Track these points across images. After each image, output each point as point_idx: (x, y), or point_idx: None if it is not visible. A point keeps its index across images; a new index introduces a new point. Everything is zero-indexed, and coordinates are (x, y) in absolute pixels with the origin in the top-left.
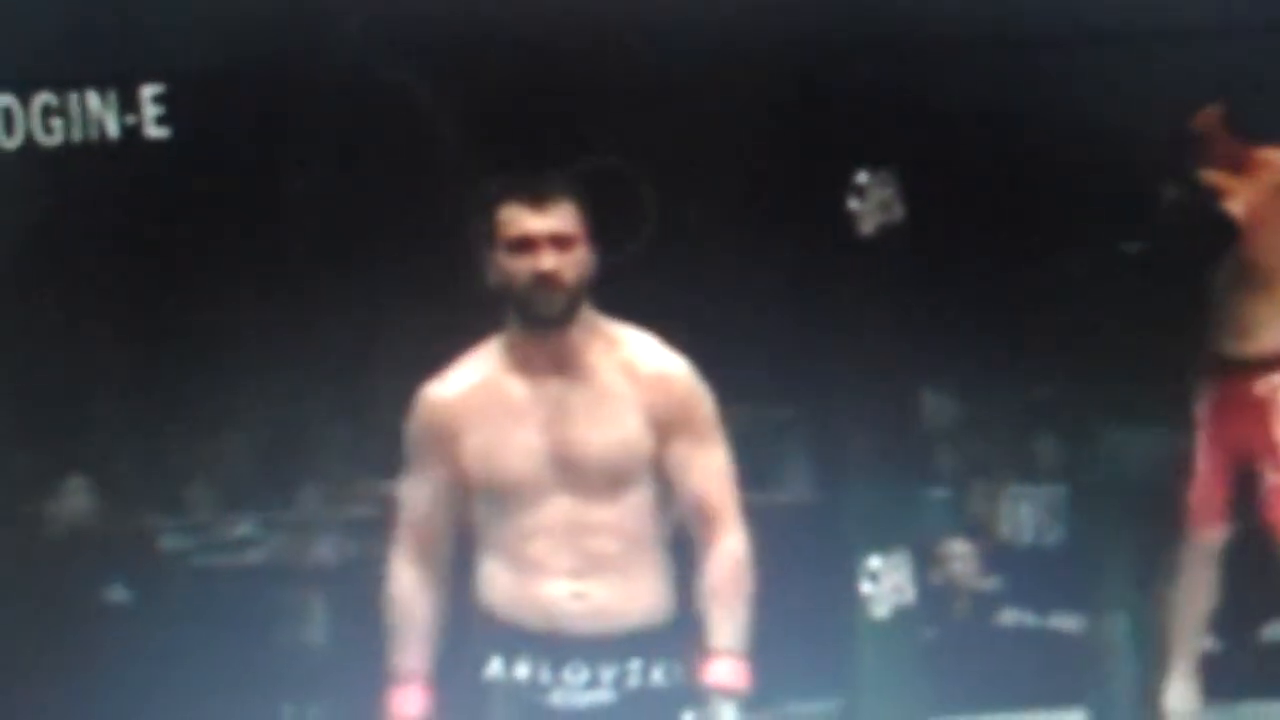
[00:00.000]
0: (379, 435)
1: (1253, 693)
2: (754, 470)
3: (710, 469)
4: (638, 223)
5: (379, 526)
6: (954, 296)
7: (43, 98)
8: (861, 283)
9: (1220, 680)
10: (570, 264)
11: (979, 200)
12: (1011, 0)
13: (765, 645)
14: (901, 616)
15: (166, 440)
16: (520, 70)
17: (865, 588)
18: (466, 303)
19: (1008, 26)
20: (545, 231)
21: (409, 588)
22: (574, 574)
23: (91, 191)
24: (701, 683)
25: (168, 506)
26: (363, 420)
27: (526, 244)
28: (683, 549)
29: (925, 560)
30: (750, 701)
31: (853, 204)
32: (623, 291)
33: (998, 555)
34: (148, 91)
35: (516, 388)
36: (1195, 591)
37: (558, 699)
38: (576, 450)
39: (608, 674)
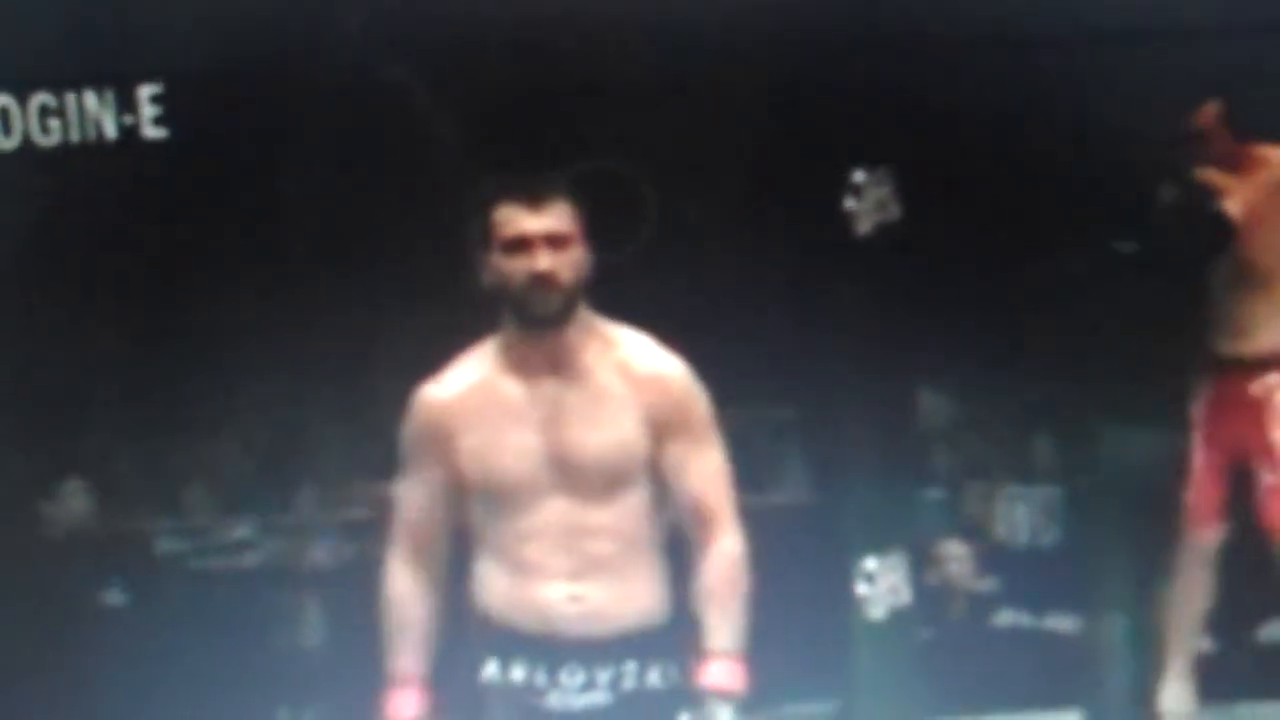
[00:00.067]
0: (376, 438)
1: (1249, 693)
2: (750, 471)
3: (706, 470)
4: (636, 223)
5: (376, 529)
6: (950, 296)
7: (40, 98)
8: (858, 282)
9: (1216, 681)
10: (566, 264)
11: (976, 200)
12: (1009, 0)
13: (761, 646)
14: (897, 618)
15: (164, 443)
16: (519, 71)
17: (861, 589)
18: (465, 304)
19: (1005, 26)
20: (541, 231)
21: (405, 590)
22: (570, 576)
23: (89, 192)
24: (698, 684)
25: (165, 509)
26: (360, 423)
27: (522, 244)
28: (679, 550)
29: (921, 561)
30: (747, 703)
31: (849, 203)
32: (620, 291)
33: (994, 556)
34: (145, 92)
35: (512, 388)
36: (1191, 592)
37: (554, 701)
38: (573, 451)
39: (604, 676)
